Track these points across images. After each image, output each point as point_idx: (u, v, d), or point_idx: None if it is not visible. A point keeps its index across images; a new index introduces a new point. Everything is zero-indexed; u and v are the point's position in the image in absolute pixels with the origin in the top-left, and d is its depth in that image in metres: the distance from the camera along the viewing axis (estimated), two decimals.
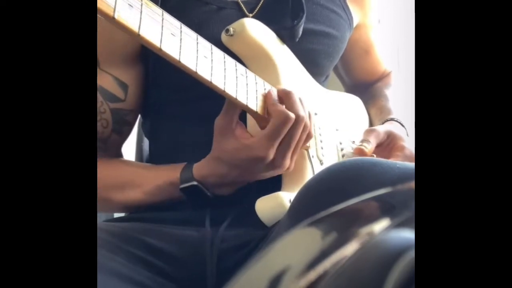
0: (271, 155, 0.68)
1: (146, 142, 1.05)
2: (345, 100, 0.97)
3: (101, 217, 1.03)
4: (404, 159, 0.81)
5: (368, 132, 0.83)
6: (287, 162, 0.71)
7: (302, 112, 0.69)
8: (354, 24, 0.96)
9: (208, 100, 0.69)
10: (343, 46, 0.92)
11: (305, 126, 0.70)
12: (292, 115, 0.67)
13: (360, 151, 0.80)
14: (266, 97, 0.70)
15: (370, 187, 0.48)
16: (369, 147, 0.80)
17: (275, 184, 0.76)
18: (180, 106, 0.80)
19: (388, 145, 0.84)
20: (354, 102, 1.00)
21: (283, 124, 0.67)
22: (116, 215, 0.92)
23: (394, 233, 0.30)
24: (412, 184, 0.35)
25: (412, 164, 0.53)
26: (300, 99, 0.71)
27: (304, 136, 0.71)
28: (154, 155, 0.86)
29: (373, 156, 0.84)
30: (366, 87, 1.08)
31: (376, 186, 0.48)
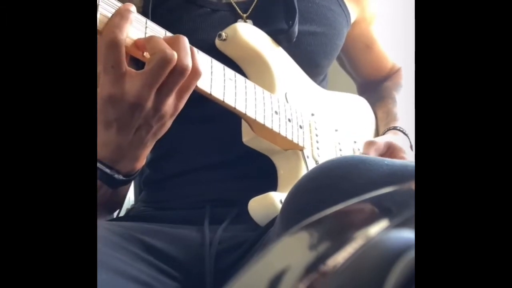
0: (148, 101, 0.59)
1: None
2: (347, 101, 0.98)
3: None
4: None
5: (368, 145, 0.83)
6: (169, 108, 0.61)
7: (187, 60, 0.60)
8: (352, 20, 0.96)
9: (208, 101, 0.69)
10: (341, 43, 0.92)
11: (185, 71, 0.60)
12: (174, 56, 0.58)
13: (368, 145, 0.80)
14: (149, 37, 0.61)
15: (359, 184, 0.48)
16: None
17: (273, 185, 0.76)
18: (183, 108, 0.80)
19: (388, 157, 0.84)
20: (358, 103, 1.00)
21: (162, 64, 0.58)
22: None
23: (394, 233, 0.30)
24: (410, 185, 0.35)
25: (400, 161, 0.53)
26: (192, 49, 0.62)
27: (192, 82, 0.62)
28: (156, 158, 0.86)
29: None
30: (376, 84, 1.08)
31: (365, 183, 0.48)
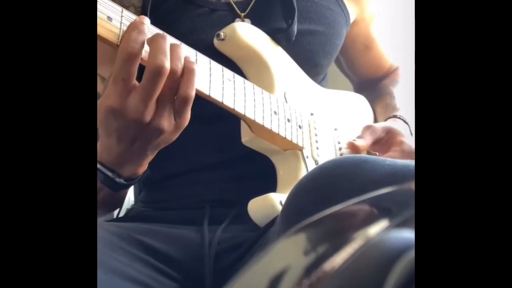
0: (144, 116, 0.59)
1: None
2: (347, 99, 0.97)
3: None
4: (402, 154, 0.81)
5: (365, 128, 0.83)
6: (166, 122, 0.61)
7: (166, 63, 0.58)
8: (352, 20, 0.96)
9: (207, 101, 0.68)
10: (340, 42, 0.92)
11: (174, 78, 0.59)
12: (165, 66, 0.58)
13: (351, 146, 0.80)
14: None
15: (360, 184, 0.48)
16: (362, 143, 0.80)
17: (273, 185, 0.76)
18: None
19: (387, 141, 0.84)
20: (357, 101, 1.00)
21: (152, 77, 0.58)
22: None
23: (394, 233, 0.30)
24: (410, 185, 0.35)
25: (401, 161, 0.53)
26: (175, 48, 0.60)
27: (184, 91, 0.60)
28: (155, 158, 0.86)
29: (375, 154, 0.84)
30: (373, 84, 1.08)
31: (366, 183, 0.48)
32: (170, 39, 0.61)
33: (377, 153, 0.85)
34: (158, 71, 0.58)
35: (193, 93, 0.61)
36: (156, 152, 0.66)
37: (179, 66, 0.60)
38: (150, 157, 0.66)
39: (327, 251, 0.29)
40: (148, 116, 0.59)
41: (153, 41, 0.59)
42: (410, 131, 0.90)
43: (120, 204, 0.79)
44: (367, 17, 1.01)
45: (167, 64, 0.58)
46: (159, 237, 0.70)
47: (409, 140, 0.84)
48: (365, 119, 0.99)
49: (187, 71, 0.60)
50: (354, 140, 0.80)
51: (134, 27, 0.58)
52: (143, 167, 0.67)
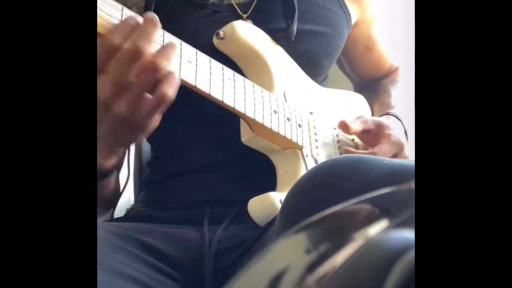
0: (113, 101, 0.55)
1: (145, 144, 1.06)
2: (346, 99, 0.98)
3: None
4: (391, 146, 0.83)
5: (356, 117, 0.85)
6: (127, 109, 0.55)
7: (113, 38, 0.54)
8: (353, 21, 0.96)
9: (207, 101, 0.68)
10: (342, 43, 0.93)
11: (146, 64, 0.55)
12: (115, 41, 0.54)
13: (343, 125, 0.82)
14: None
15: (358, 184, 0.49)
16: (354, 125, 0.82)
17: (273, 185, 0.76)
18: (180, 109, 0.79)
19: (375, 133, 0.86)
20: (357, 100, 1.01)
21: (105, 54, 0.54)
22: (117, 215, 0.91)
23: (394, 233, 0.30)
24: (410, 185, 0.35)
25: (399, 161, 0.53)
26: (170, 49, 0.57)
27: (163, 89, 0.56)
28: (156, 158, 0.86)
29: (368, 149, 0.85)
30: (373, 83, 1.09)
31: (365, 183, 0.49)
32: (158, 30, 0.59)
33: (371, 149, 0.86)
34: (134, 52, 0.54)
35: (172, 95, 0.57)
36: (119, 148, 0.62)
37: (165, 63, 0.56)
38: (113, 149, 0.61)
39: (327, 251, 0.29)
40: (113, 98, 0.55)
41: (125, 23, 0.56)
42: (404, 127, 0.91)
43: (112, 205, 0.77)
44: (368, 18, 1.01)
45: (148, 49, 0.55)
46: (159, 237, 0.70)
47: (397, 133, 0.85)
48: None
49: (169, 74, 0.57)
50: (352, 140, 0.81)
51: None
52: (108, 160, 0.62)
